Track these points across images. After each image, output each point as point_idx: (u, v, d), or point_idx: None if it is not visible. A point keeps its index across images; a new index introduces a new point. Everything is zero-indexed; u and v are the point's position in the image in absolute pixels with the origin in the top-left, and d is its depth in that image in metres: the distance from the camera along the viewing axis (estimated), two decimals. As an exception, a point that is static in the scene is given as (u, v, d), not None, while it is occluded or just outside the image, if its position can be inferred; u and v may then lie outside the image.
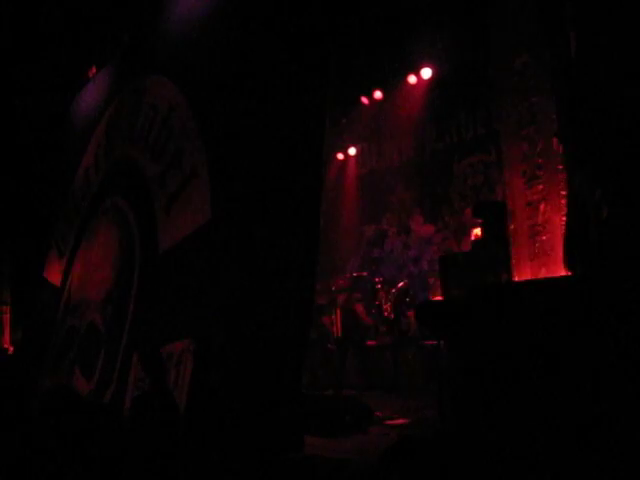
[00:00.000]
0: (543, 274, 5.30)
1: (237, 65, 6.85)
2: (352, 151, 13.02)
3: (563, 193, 5.07)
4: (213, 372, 5.64)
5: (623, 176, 3.84)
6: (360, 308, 9.79)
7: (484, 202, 9.65)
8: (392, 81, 11.23)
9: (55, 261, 10.28)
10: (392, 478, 2.21)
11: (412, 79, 10.94)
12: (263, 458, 4.30)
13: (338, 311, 9.72)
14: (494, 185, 10.00)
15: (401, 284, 9.98)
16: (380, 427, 6.11)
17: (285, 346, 5.33)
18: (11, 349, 11.15)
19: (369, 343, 9.55)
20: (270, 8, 6.59)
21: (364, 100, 11.74)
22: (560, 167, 5.21)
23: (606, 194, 4.05)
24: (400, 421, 6.36)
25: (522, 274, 5.57)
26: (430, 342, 8.09)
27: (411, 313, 9.13)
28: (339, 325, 9.69)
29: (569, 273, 4.51)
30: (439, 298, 8.50)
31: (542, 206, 5.48)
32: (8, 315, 11.51)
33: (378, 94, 11.53)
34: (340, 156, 13.09)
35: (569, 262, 4.50)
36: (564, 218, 4.98)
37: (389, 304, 9.81)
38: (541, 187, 5.54)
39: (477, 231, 8.08)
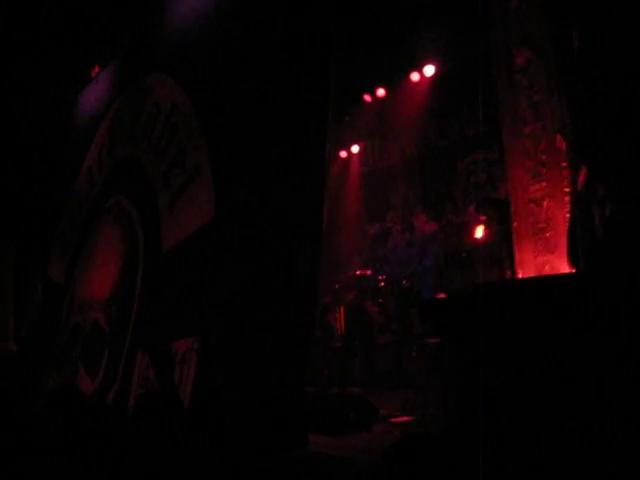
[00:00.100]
0: (547, 271, 5.29)
1: (239, 64, 6.85)
2: (355, 149, 13.02)
3: (566, 190, 5.07)
4: (217, 370, 5.64)
5: (627, 173, 3.83)
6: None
7: (487, 199, 9.63)
8: (395, 79, 11.22)
9: (59, 260, 10.29)
10: (396, 476, 2.20)
11: (415, 76, 10.93)
12: (267, 456, 4.30)
13: (342, 309, 9.72)
14: (497, 182, 9.98)
15: (405, 282, 9.99)
16: (384, 425, 6.11)
17: (289, 344, 5.33)
18: (15, 348, 11.17)
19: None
20: (272, 7, 6.58)
21: (367, 98, 11.73)
22: (563, 164, 5.20)
23: (610, 191, 4.04)
24: (404, 419, 6.36)
25: (526, 271, 5.56)
26: (434, 340, 8.08)
27: (415, 310, 9.12)
28: (343, 322, 9.69)
29: (573, 270, 4.50)
30: (443, 295, 8.49)
31: (545, 203, 5.48)
32: (12, 314, 11.54)
33: (381, 92, 11.52)
34: (343, 154, 13.09)
35: (573, 259, 4.49)
36: (568, 215, 4.97)
37: (393, 301, 9.81)
38: (544, 184, 5.53)
39: (480, 228, 8.08)
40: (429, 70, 10.69)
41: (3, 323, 11.49)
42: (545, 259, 5.38)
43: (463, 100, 10.65)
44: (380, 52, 10.17)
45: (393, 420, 6.33)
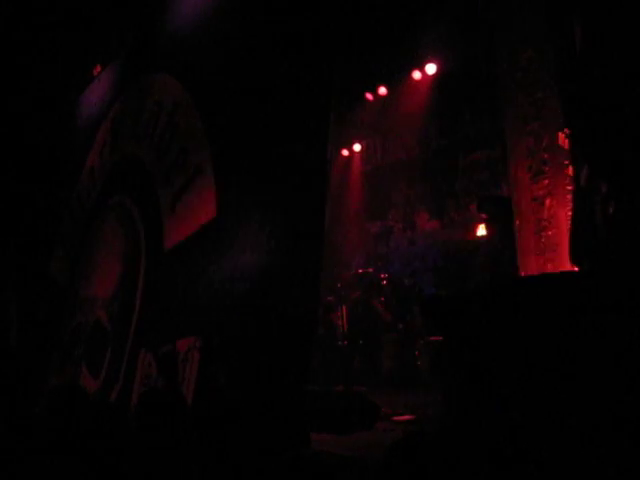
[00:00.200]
0: (549, 269, 5.29)
1: (241, 63, 6.85)
2: (357, 147, 13.00)
3: (569, 188, 5.06)
4: (219, 369, 5.65)
5: (629, 170, 3.83)
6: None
7: (489, 197, 9.63)
8: (396, 77, 11.20)
9: (60, 259, 10.31)
10: (398, 474, 2.21)
11: (417, 75, 10.90)
12: (269, 455, 4.30)
13: (344, 308, 9.71)
14: (499, 181, 9.97)
15: (406, 280, 9.99)
16: (386, 423, 6.11)
17: (291, 342, 5.33)
18: (18, 347, 11.18)
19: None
20: (274, 6, 6.58)
21: (369, 96, 11.70)
22: (565, 162, 5.19)
23: (612, 188, 4.03)
24: (406, 417, 6.36)
25: (528, 269, 5.56)
26: (436, 338, 8.08)
27: (417, 309, 9.11)
28: (346, 321, 9.68)
29: (575, 268, 4.50)
30: (444, 294, 8.49)
31: (548, 201, 5.47)
32: (14, 313, 11.54)
33: (383, 90, 11.50)
34: (345, 152, 13.08)
35: (575, 257, 4.49)
36: (570, 213, 4.96)
37: (395, 300, 9.81)
38: (547, 182, 5.53)
39: (482, 227, 8.08)
40: (431, 68, 10.66)
41: (4, 323, 11.49)
42: (547, 257, 5.38)
43: (465, 98, 10.64)
44: (382, 50, 10.16)
45: (395, 419, 6.32)
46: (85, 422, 3.40)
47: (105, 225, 9.08)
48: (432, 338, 8.35)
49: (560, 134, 5.11)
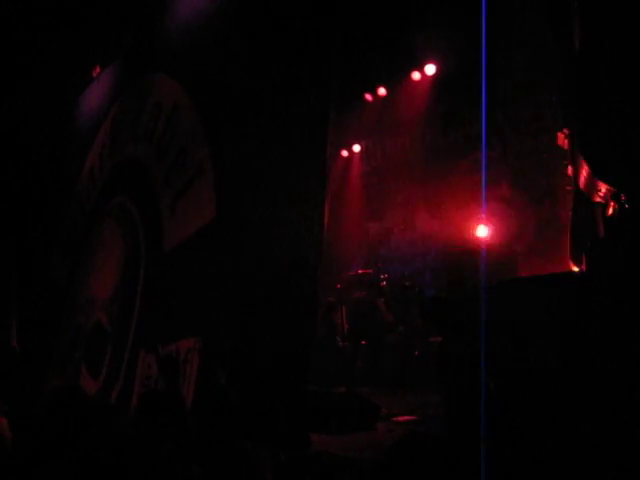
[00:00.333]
0: (549, 269, 5.30)
1: (240, 64, 6.85)
2: (356, 148, 12.99)
3: (568, 188, 5.07)
4: (219, 370, 5.65)
5: (629, 171, 3.83)
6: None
7: (488, 199, 9.62)
8: (396, 78, 11.19)
9: (60, 260, 10.30)
10: (398, 475, 2.20)
11: (416, 75, 10.90)
12: (269, 455, 4.30)
13: (344, 308, 9.71)
14: (499, 181, 9.97)
15: (406, 281, 9.98)
16: (387, 424, 6.11)
17: (291, 343, 5.33)
18: (18, 348, 11.17)
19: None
20: (273, 7, 6.58)
21: (368, 97, 11.70)
22: (565, 162, 5.20)
23: (612, 189, 4.04)
24: (407, 418, 6.36)
25: (528, 269, 5.57)
26: (436, 338, 8.08)
27: (417, 310, 9.10)
28: (347, 321, 9.68)
29: (575, 268, 4.51)
30: (444, 295, 8.49)
31: (547, 201, 5.48)
32: (14, 314, 11.54)
33: (382, 91, 11.49)
34: (344, 153, 13.06)
35: (575, 257, 4.49)
36: (570, 213, 4.97)
37: (395, 300, 9.80)
38: (546, 182, 5.53)
39: (482, 227, 8.08)
40: (430, 69, 10.66)
41: (5, 323, 11.49)
42: (547, 257, 5.39)
43: (464, 99, 10.63)
44: (381, 51, 10.16)
45: (396, 419, 6.32)
46: (85, 423, 3.40)
47: (105, 226, 9.08)
48: (432, 339, 8.34)
49: (560, 134, 5.12)
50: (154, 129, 8.21)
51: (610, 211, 4.09)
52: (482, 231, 8.59)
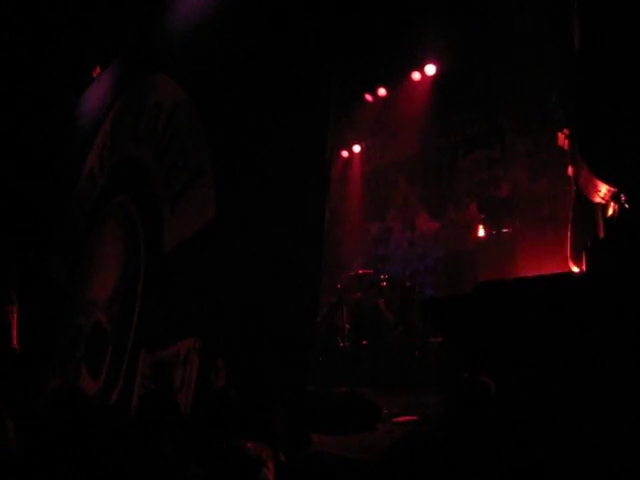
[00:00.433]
0: (549, 269, 5.29)
1: (240, 64, 6.85)
2: (356, 148, 12.99)
3: (568, 188, 5.06)
4: (219, 370, 5.65)
5: (628, 171, 3.83)
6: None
7: (488, 198, 9.62)
8: (396, 78, 11.19)
9: (61, 261, 10.30)
10: (397, 475, 2.20)
11: (416, 76, 10.90)
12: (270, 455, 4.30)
13: (345, 308, 9.71)
14: (499, 181, 9.97)
15: (406, 281, 9.98)
16: (387, 424, 6.11)
17: (291, 343, 5.33)
18: (18, 349, 11.18)
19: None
20: (273, 8, 6.58)
21: (368, 97, 11.69)
22: (565, 162, 5.20)
23: (612, 189, 4.04)
24: (407, 418, 6.35)
25: (527, 270, 5.56)
26: (436, 339, 8.08)
27: (417, 310, 9.09)
28: (347, 322, 9.67)
29: (575, 268, 4.51)
30: (444, 295, 8.48)
31: (547, 202, 5.47)
32: (15, 315, 11.55)
33: (382, 91, 11.49)
34: (344, 153, 13.07)
35: (575, 257, 4.49)
36: (570, 214, 4.97)
37: (395, 301, 9.80)
38: (546, 182, 5.53)
39: (482, 227, 8.08)
40: (430, 69, 10.66)
41: (5, 324, 11.50)
42: (547, 258, 5.38)
43: (464, 99, 10.63)
44: (381, 51, 10.16)
45: (396, 420, 6.31)
46: (85, 423, 3.40)
47: (105, 226, 9.08)
48: (432, 339, 8.35)
49: (560, 134, 5.11)
50: (154, 129, 8.21)
51: (610, 211, 4.10)
52: (481, 231, 8.61)
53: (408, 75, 10.97)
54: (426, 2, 9.10)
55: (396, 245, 11.80)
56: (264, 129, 6.30)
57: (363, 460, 4.36)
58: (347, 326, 9.65)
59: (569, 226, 4.86)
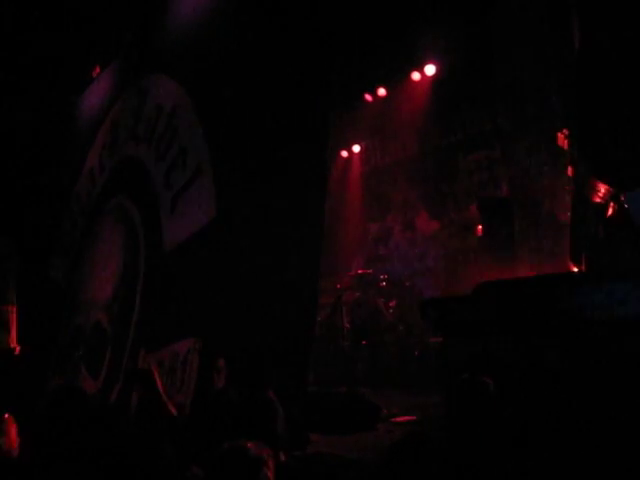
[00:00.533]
0: (548, 270, 5.29)
1: (240, 64, 6.85)
2: (356, 148, 13.00)
3: (568, 188, 5.07)
4: (220, 370, 5.64)
5: (629, 171, 3.83)
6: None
7: (489, 198, 9.62)
8: (396, 78, 11.19)
9: (60, 261, 10.30)
10: (397, 475, 2.20)
11: (416, 76, 10.90)
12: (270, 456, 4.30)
13: (344, 308, 9.71)
14: (499, 181, 9.97)
15: (406, 281, 9.98)
16: (387, 424, 6.11)
17: (291, 343, 5.33)
18: (18, 349, 11.18)
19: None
20: (273, 8, 6.58)
21: (368, 97, 11.70)
22: (565, 163, 5.20)
23: (612, 189, 4.04)
24: (407, 418, 6.35)
25: (527, 270, 5.56)
26: (436, 339, 8.07)
27: (417, 310, 9.09)
28: (347, 322, 9.67)
29: (575, 269, 4.51)
30: (444, 295, 8.48)
31: (547, 202, 5.47)
32: (14, 314, 11.54)
33: (382, 91, 11.49)
34: (344, 153, 13.07)
35: (575, 258, 4.49)
36: (569, 214, 4.96)
37: (395, 301, 9.81)
38: (546, 183, 5.52)
39: (482, 228, 8.07)
40: (430, 69, 10.66)
41: (5, 324, 11.49)
42: (547, 258, 5.38)
43: (464, 99, 10.64)
44: (381, 51, 10.16)
45: (395, 420, 6.32)
46: (85, 423, 3.39)
47: (105, 227, 9.08)
48: (432, 339, 8.34)
49: (560, 135, 5.12)
50: (154, 129, 8.21)
51: (610, 211, 4.10)
52: (482, 231, 8.58)
53: (408, 75, 10.98)
54: (426, 2, 9.09)
55: (396, 245, 11.80)
56: (264, 129, 6.31)
57: (363, 460, 4.36)
58: (347, 326, 9.64)
59: (569, 226, 4.86)
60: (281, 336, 5.41)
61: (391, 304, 9.74)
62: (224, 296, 6.12)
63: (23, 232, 11.56)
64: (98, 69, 10.80)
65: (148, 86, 8.76)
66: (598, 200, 4.26)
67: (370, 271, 10.81)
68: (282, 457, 3.40)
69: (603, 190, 4.10)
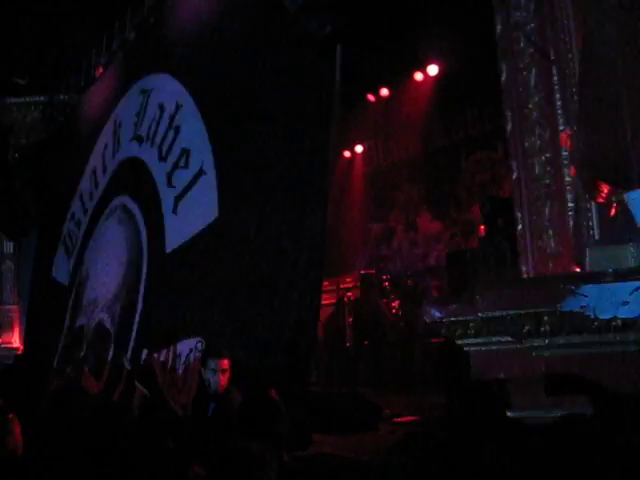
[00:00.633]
0: (550, 270, 5.28)
1: (243, 64, 6.85)
2: (359, 149, 13.00)
3: (568, 188, 5.05)
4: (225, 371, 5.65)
5: (629, 172, 3.83)
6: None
7: (491, 198, 9.61)
8: (398, 78, 11.19)
9: (63, 261, 10.31)
10: (399, 475, 2.21)
11: (418, 76, 10.90)
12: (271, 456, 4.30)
13: (346, 309, 9.72)
14: (501, 181, 9.97)
15: (409, 281, 9.99)
16: (389, 425, 6.11)
17: (293, 344, 5.33)
18: (20, 349, 11.20)
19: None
20: (275, 8, 6.58)
21: (370, 97, 11.69)
22: (567, 162, 5.19)
23: (614, 190, 4.03)
24: (408, 418, 6.36)
25: (529, 270, 5.54)
26: (438, 339, 8.07)
27: (419, 310, 9.09)
28: (349, 322, 9.68)
29: (577, 269, 4.50)
30: (446, 295, 8.48)
31: (549, 202, 5.45)
32: (17, 315, 11.56)
33: (384, 91, 11.49)
34: (347, 154, 13.08)
35: (577, 258, 4.48)
36: (572, 214, 4.96)
37: (397, 301, 9.81)
38: (548, 183, 5.51)
39: (484, 228, 8.06)
40: (432, 69, 10.66)
41: (8, 324, 11.52)
42: (549, 258, 5.37)
43: (466, 99, 10.63)
44: (383, 52, 10.15)
45: (397, 420, 6.32)
46: (86, 423, 3.41)
47: (107, 227, 9.08)
48: (434, 339, 8.34)
49: (562, 134, 5.10)
50: (156, 129, 8.22)
51: (612, 211, 4.09)
52: (484, 231, 8.57)
53: (411, 75, 10.98)
54: (429, 2, 9.09)
55: (398, 245, 11.82)
56: (266, 130, 6.31)
57: (365, 460, 4.36)
58: (349, 326, 9.65)
59: (572, 227, 4.85)
60: (283, 336, 5.41)
61: (393, 304, 9.75)
62: (226, 296, 6.13)
63: (24, 232, 11.58)
64: (101, 69, 10.80)
65: (151, 86, 8.76)
66: (600, 200, 4.25)
67: (372, 271, 10.82)
68: (285, 457, 3.40)
69: (604, 190, 4.09)
